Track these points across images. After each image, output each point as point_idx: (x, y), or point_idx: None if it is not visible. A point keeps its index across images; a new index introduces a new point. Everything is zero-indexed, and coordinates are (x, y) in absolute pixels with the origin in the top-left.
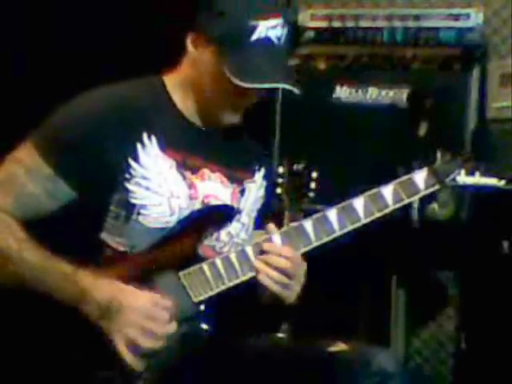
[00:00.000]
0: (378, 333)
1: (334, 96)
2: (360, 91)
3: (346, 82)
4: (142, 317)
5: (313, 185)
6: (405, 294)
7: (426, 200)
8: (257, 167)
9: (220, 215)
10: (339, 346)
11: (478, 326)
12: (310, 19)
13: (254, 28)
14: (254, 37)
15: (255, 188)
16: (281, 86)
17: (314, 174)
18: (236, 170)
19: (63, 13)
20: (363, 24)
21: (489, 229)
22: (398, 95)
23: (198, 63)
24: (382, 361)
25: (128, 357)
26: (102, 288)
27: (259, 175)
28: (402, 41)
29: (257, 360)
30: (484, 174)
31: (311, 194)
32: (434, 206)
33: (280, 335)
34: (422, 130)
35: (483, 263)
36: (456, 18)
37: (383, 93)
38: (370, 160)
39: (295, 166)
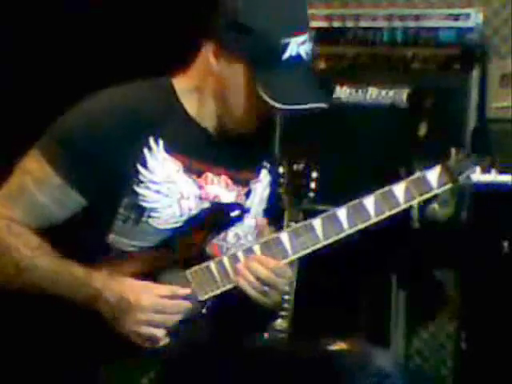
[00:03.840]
0: (378, 333)
1: (334, 96)
2: (360, 91)
3: (346, 81)
4: (150, 312)
5: (313, 185)
6: (405, 294)
7: (426, 200)
8: (262, 164)
9: (228, 214)
10: (338, 345)
11: (478, 325)
12: (310, 19)
13: (285, 46)
14: (286, 55)
15: (261, 188)
16: (317, 105)
17: (314, 174)
18: (242, 171)
19: (69, 12)
20: (363, 24)
21: (489, 229)
22: (398, 95)
23: (221, 76)
24: (381, 361)
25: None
26: (112, 288)
27: (264, 172)
28: (402, 41)
29: (256, 359)
30: (501, 170)
31: (311, 194)
32: (434, 205)
33: (280, 335)
34: (422, 130)
35: (483, 263)
36: (456, 17)
37: (383, 93)
38: (370, 160)
39: (295, 166)
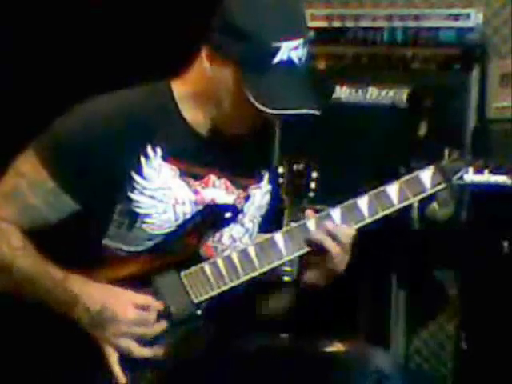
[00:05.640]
0: (378, 333)
1: (334, 96)
2: (360, 91)
3: (346, 82)
4: (133, 324)
5: (313, 185)
6: (405, 294)
7: (426, 199)
8: (262, 172)
9: (222, 215)
10: (336, 346)
11: (478, 325)
12: (310, 19)
13: (276, 50)
14: (277, 59)
15: (260, 194)
16: (306, 111)
17: (314, 174)
18: (241, 176)
19: (69, 13)
20: (363, 24)
21: (489, 229)
22: (398, 95)
23: (214, 79)
24: (380, 361)
25: (116, 369)
26: (92, 295)
27: (265, 180)
28: (402, 41)
29: (254, 360)
30: (493, 171)
31: (311, 194)
32: (434, 205)
33: (282, 335)
34: (422, 130)
35: (483, 263)
36: (456, 17)
37: (383, 93)
38: (370, 160)
39: (295, 166)
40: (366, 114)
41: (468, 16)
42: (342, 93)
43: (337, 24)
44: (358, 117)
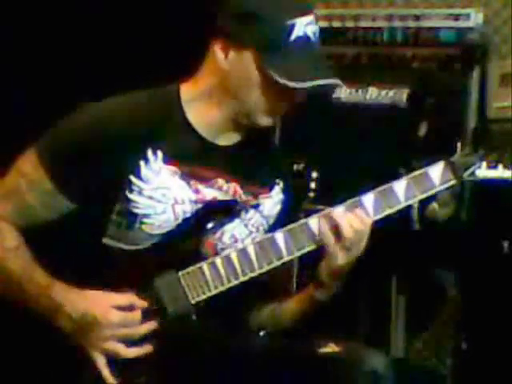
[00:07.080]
0: (378, 333)
1: (334, 96)
2: (360, 91)
3: (346, 82)
4: (117, 327)
5: (313, 185)
6: (405, 294)
7: (426, 199)
8: (275, 181)
9: (222, 211)
10: (330, 347)
11: (478, 325)
12: None
13: (292, 27)
14: (293, 36)
15: (271, 204)
16: (330, 81)
17: (314, 174)
18: (251, 184)
19: (70, 12)
20: (363, 24)
21: (489, 229)
22: (398, 95)
23: (231, 70)
24: (374, 362)
25: (106, 372)
26: (75, 302)
27: (277, 190)
28: (402, 41)
29: (248, 362)
30: (508, 166)
31: (311, 194)
32: (434, 205)
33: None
34: (422, 130)
35: (483, 263)
36: (456, 18)
37: (383, 93)
38: (370, 160)
39: (295, 166)
40: (366, 114)
41: (468, 16)
42: (342, 93)
43: (337, 24)
44: (358, 117)
